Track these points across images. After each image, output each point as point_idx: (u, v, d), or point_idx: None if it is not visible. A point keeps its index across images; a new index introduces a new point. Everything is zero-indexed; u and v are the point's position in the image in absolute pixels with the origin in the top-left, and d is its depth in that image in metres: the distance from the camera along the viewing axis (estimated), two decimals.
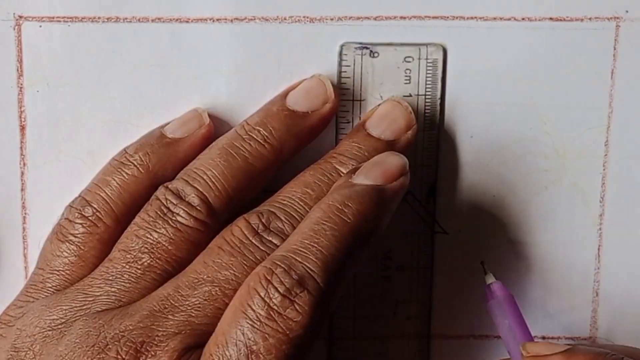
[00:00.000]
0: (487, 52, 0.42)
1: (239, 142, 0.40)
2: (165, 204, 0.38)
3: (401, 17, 0.42)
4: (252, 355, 0.34)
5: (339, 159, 0.40)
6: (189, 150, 0.41)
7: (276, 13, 0.41)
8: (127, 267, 0.38)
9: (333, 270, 0.35)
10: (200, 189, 0.39)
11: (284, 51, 0.42)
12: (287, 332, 0.34)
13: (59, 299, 0.38)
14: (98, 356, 0.35)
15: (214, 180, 0.39)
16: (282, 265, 0.35)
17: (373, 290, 0.44)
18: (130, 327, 0.36)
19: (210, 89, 0.42)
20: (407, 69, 0.42)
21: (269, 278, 0.35)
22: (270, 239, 0.37)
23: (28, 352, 0.36)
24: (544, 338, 0.45)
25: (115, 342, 0.35)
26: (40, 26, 0.41)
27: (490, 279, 0.41)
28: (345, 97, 0.42)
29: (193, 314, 0.36)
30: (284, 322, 0.34)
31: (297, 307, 0.34)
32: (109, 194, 0.40)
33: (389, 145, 0.40)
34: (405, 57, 0.42)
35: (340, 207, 0.37)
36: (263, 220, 0.38)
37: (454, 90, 0.42)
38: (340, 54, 0.42)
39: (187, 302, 0.36)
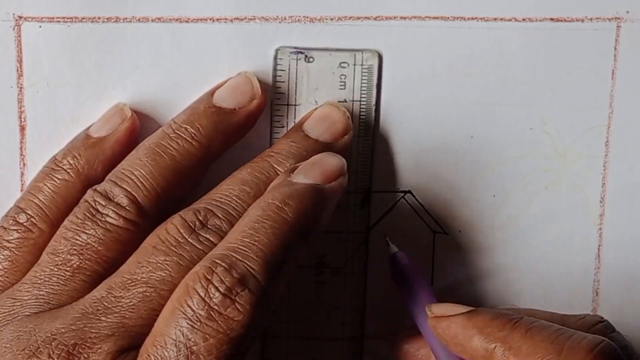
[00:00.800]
0: (488, 52, 0.42)
1: (166, 141, 0.39)
2: (93, 205, 0.38)
3: (402, 18, 0.42)
4: (192, 356, 0.34)
5: (276, 157, 0.40)
6: (115, 147, 0.41)
7: (276, 13, 0.41)
8: (56, 269, 0.38)
9: (273, 268, 0.35)
10: (129, 189, 0.38)
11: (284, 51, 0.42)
12: (228, 332, 0.34)
13: None
14: (29, 359, 0.35)
15: (142, 180, 0.39)
16: (223, 264, 0.35)
17: (307, 294, 0.44)
18: (62, 330, 0.35)
19: (210, 88, 0.42)
20: (342, 75, 0.42)
21: (208, 277, 0.34)
22: (207, 236, 0.37)
23: None
24: None
25: (47, 345, 0.35)
26: (40, 26, 0.41)
27: (394, 249, 0.42)
28: (280, 101, 0.42)
29: (127, 316, 0.35)
30: (224, 321, 0.34)
31: (238, 307, 0.34)
32: (42, 199, 0.40)
33: (326, 148, 0.40)
34: (341, 63, 0.42)
35: (280, 205, 0.36)
36: (200, 218, 0.37)
37: (452, 90, 0.42)
38: (276, 58, 0.41)
39: (120, 304, 0.36)
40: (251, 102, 0.41)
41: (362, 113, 0.42)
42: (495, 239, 0.44)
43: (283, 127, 0.42)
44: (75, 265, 0.37)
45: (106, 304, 0.36)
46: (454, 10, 0.42)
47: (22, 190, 0.42)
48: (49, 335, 0.35)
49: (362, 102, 0.42)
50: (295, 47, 0.41)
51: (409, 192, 0.43)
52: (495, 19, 0.42)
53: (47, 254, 0.38)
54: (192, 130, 0.40)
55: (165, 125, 0.40)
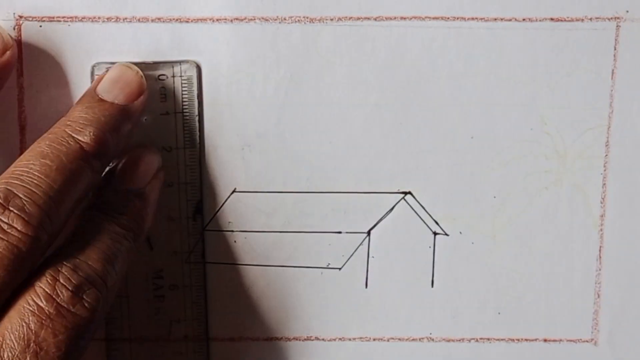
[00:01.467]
0: (488, 52, 0.42)
1: None
2: None
3: (402, 18, 0.42)
4: (42, 352, 0.35)
5: (73, 126, 0.38)
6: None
7: (276, 13, 0.41)
8: None
9: (111, 264, 0.37)
10: None
11: (284, 51, 0.42)
12: (77, 328, 0.35)
13: None
14: None
15: None
16: (68, 264, 0.36)
17: (147, 310, 0.44)
18: None
19: (210, 88, 0.42)
20: (162, 87, 0.41)
21: (55, 276, 0.35)
22: (10, 222, 0.35)
23: None
24: (545, 341, 0.45)
25: None
26: (40, 26, 0.41)
27: None
28: None
29: None
30: (73, 318, 0.35)
31: (86, 304, 0.36)
32: None
33: (123, 110, 0.40)
34: (159, 76, 0.41)
35: (112, 215, 0.39)
36: (0, 201, 0.36)
37: (452, 90, 0.42)
38: (92, 74, 0.41)
39: None
40: (4, 53, 0.40)
41: (185, 124, 0.42)
42: (495, 240, 0.44)
43: None
44: None
45: None
46: (454, 10, 0.42)
47: None
48: None
49: (184, 114, 0.42)
50: (112, 63, 0.41)
51: (409, 192, 0.43)
52: (495, 19, 0.42)
53: None
54: None
55: None
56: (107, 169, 0.40)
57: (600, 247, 0.44)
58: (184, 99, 0.42)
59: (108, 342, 0.44)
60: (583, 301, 0.45)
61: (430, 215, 0.44)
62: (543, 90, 0.43)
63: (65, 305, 0.35)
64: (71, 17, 0.41)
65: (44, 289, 0.35)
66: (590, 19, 0.42)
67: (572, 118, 0.43)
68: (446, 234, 0.44)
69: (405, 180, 0.43)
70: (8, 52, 0.40)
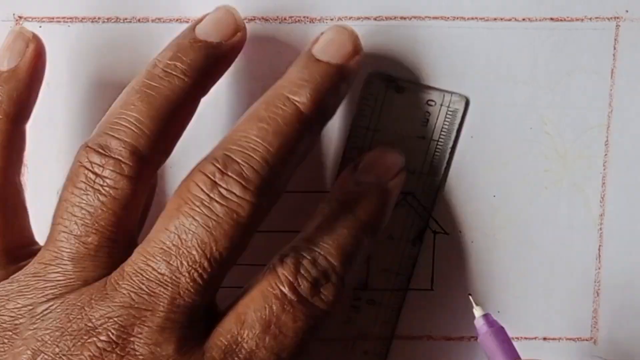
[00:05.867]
0: (488, 52, 0.42)
1: (157, 81, 0.37)
2: (91, 169, 0.36)
3: (402, 18, 0.42)
4: (280, 336, 0.36)
5: (289, 87, 0.38)
6: (31, 72, 0.39)
7: (276, 13, 0.41)
8: (76, 249, 0.36)
9: (349, 262, 0.38)
10: (126, 139, 0.36)
11: (284, 51, 0.42)
12: (314, 318, 0.36)
13: (15, 288, 0.37)
14: (88, 340, 0.35)
15: (138, 124, 0.36)
16: (308, 257, 0.37)
17: (340, 316, 0.44)
18: (115, 308, 0.35)
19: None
20: (427, 112, 0.42)
21: (297, 267, 0.36)
22: (229, 188, 0.35)
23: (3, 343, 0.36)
24: (545, 339, 0.45)
25: (103, 325, 0.35)
26: (40, 26, 0.41)
27: (479, 312, 0.41)
28: (361, 122, 0.42)
29: (176, 291, 0.35)
30: (312, 308, 0.36)
31: (323, 297, 0.36)
32: None
33: (338, 70, 0.39)
34: (428, 100, 0.42)
35: (351, 207, 0.38)
36: (219, 166, 0.36)
37: (452, 89, 0.42)
38: (368, 83, 0.42)
39: (164, 277, 0.35)
40: (235, 34, 0.39)
41: (436, 153, 0.42)
42: (495, 239, 0.44)
43: (358, 148, 0.42)
44: (95, 243, 0.36)
45: (148, 277, 0.35)
46: (454, 10, 0.42)
47: None
48: (103, 314, 0.35)
49: (439, 143, 0.42)
50: (389, 75, 0.42)
51: (409, 192, 0.43)
52: (495, 19, 0.42)
53: (60, 232, 0.37)
54: (182, 66, 0.37)
55: (149, 65, 0.38)
56: (353, 164, 0.40)
57: (600, 246, 0.44)
58: (444, 129, 0.42)
59: None
60: (582, 300, 0.45)
61: (430, 215, 0.44)
62: (543, 90, 0.43)
63: (305, 295, 0.36)
64: (71, 18, 0.41)
65: (286, 276, 0.36)
66: (590, 19, 0.42)
67: (572, 118, 0.43)
68: (446, 233, 0.44)
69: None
70: (239, 34, 0.39)
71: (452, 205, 0.44)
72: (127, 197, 0.36)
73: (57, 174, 0.42)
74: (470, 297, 0.42)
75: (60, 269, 0.36)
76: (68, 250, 0.36)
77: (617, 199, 0.44)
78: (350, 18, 0.41)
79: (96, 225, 0.36)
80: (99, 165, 0.36)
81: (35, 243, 0.40)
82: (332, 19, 0.41)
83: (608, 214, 0.44)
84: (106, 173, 0.36)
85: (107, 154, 0.36)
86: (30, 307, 0.36)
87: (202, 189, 0.36)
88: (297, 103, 0.37)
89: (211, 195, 0.35)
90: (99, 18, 0.41)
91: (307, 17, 0.41)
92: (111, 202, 0.36)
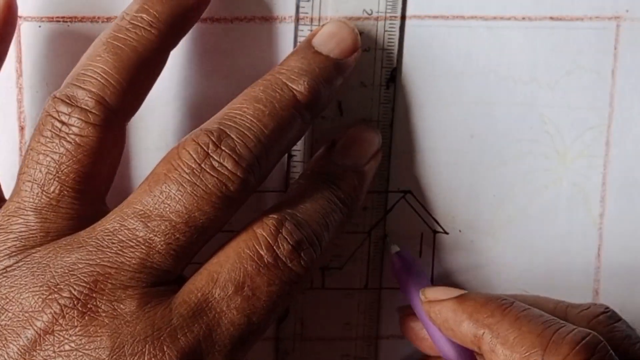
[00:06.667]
0: (487, 51, 0.42)
1: (124, 33, 0.37)
2: (58, 117, 0.36)
3: (402, 18, 0.42)
4: (253, 298, 0.35)
5: (288, 74, 0.38)
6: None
7: (276, 13, 0.41)
8: (39, 198, 0.36)
9: (326, 233, 0.37)
10: (93, 89, 0.36)
11: (284, 51, 0.42)
12: (289, 283, 0.36)
13: None
14: (50, 297, 0.34)
15: (106, 76, 0.36)
16: (292, 220, 0.36)
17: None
18: (80, 265, 0.34)
19: (210, 89, 0.42)
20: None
21: (279, 229, 0.36)
22: (221, 161, 0.35)
23: None
24: None
25: (66, 282, 0.34)
26: (40, 26, 0.41)
27: (395, 249, 0.43)
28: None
29: (147, 252, 0.35)
30: (289, 272, 0.36)
31: (302, 262, 0.36)
32: None
33: (337, 64, 0.39)
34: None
35: (330, 184, 0.39)
36: (213, 139, 0.36)
37: (452, 89, 0.42)
38: None
39: (137, 238, 0.35)
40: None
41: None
42: (495, 239, 0.44)
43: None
44: (57, 191, 0.36)
45: (120, 237, 0.35)
46: (454, 9, 0.42)
47: None
48: (66, 270, 0.34)
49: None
50: None
51: (409, 192, 0.43)
52: (494, 18, 0.42)
53: (24, 182, 0.36)
54: (149, 18, 0.37)
55: (117, 18, 0.38)
56: (331, 142, 0.41)
57: (600, 245, 0.45)
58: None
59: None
60: (582, 299, 0.45)
61: (430, 214, 0.44)
62: (543, 89, 0.43)
63: (283, 258, 0.36)
64: (71, 17, 0.41)
65: (266, 238, 0.36)
66: (590, 19, 0.42)
67: (572, 117, 0.43)
68: (446, 233, 0.44)
69: (405, 179, 0.43)
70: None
71: (452, 205, 0.44)
72: (92, 145, 0.36)
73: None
74: (387, 239, 0.44)
75: (22, 220, 0.36)
76: (31, 200, 0.36)
77: (617, 199, 0.44)
78: (350, 18, 0.41)
79: (59, 173, 0.36)
80: (66, 114, 0.36)
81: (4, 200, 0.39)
82: (332, 19, 0.41)
83: (608, 214, 0.44)
84: (72, 121, 0.36)
85: (73, 103, 0.36)
86: None
87: (194, 158, 0.35)
88: (294, 90, 0.38)
89: (202, 165, 0.35)
90: (98, 18, 0.41)
91: (307, 17, 0.41)
92: (75, 150, 0.36)
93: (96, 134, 0.36)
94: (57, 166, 0.36)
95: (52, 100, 0.37)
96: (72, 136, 0.36)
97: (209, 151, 0.36)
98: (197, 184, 0.35)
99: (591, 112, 0.43)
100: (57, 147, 0.36)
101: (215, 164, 0.35)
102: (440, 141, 0.43)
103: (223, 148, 0.36)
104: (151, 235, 0.35)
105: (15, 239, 0.36)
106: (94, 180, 0.37)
